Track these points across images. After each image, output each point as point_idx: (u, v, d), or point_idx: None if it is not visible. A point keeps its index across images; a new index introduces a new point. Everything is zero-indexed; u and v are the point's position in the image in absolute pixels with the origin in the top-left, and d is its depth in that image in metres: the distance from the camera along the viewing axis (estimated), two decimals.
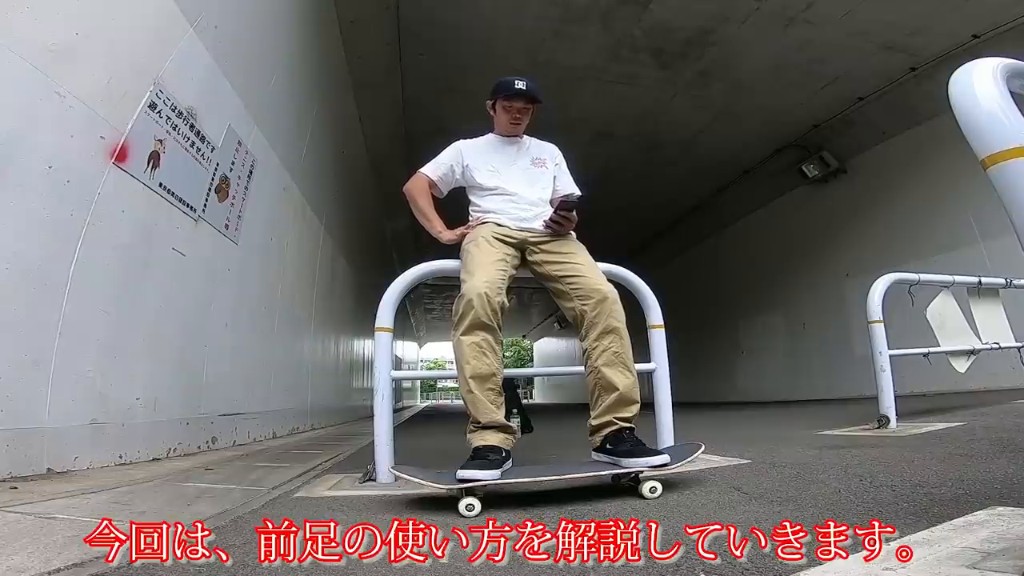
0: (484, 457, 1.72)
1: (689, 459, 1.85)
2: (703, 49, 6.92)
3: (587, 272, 2.01)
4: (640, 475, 1.74)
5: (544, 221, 2.12)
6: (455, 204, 2.39)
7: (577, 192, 2.25)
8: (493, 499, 1.72)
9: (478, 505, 1.57)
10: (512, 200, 2.17)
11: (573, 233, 2.19)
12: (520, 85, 2.17)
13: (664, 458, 1.72)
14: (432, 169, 2.30)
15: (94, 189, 2.43)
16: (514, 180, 2.21)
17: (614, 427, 1.83)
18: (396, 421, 2.44)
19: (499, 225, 2.13)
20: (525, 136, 2.34)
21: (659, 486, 1.68)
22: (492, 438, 1.80)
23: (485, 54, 6.82)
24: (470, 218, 2.26)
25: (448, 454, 2.69)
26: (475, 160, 2.25)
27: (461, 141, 2.33)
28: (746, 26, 6.45)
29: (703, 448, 1.97)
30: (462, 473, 1.62)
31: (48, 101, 2.18)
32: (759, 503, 1.55)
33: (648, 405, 2.43)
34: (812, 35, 6.55)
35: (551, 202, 2.25)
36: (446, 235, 2.23)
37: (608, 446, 1.82)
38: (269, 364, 4.88)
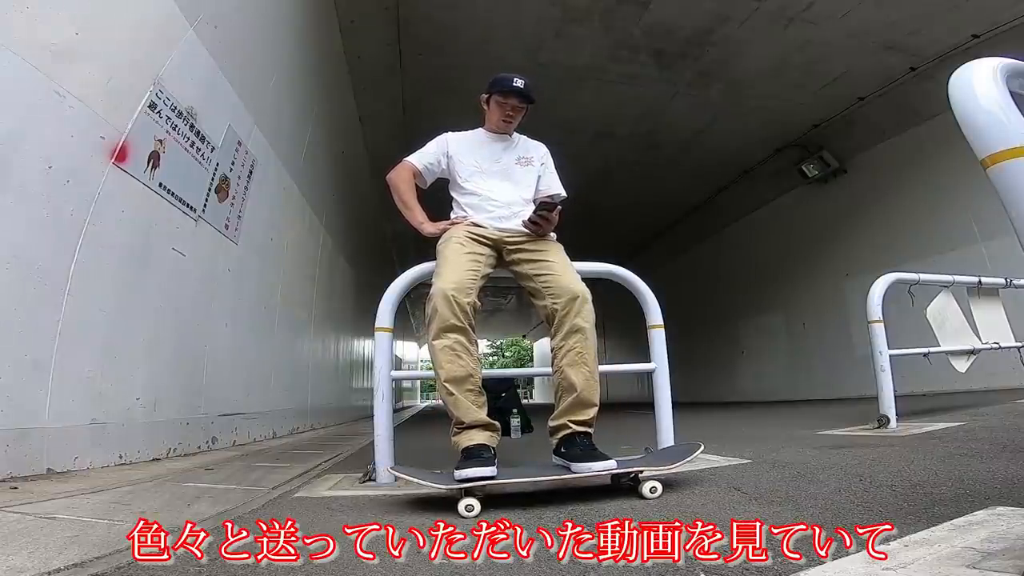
0: (479, 456, 1.71)
1: (682, 462, 1.84)
2: (703, 49, 6.92)
3: (560, 271, 2.00)
4: (640, 475, 1.74)
5: (523, 220, 2.09)
6: (437, 202, 2.36)
7: (563, 193, 2.22)
8: (493, 499, 1.72)
9: (477, 505, 1.56)
10: (492, 199, 2.14)
11: (553, 235, 2.17)
12: (518, 83, 2.15)
13: (610, 464, 1.71)
14: (418, 158, 2.27)
15: (94, 189, 2.43)
16: (496, 179, 2.19)
17: (567, 431, 1.83)
18: (396, 421, 2.44)
19: (476, 225, 2.10)
20: (515, 134, 2.31)
21: (659, 486, 1.69)
22: (479, 436, 1.78)
23: (485, 54, 6.82)
24: (451, 215, 2.23)
25: (449, 454, 2.68)
26: (460, 152, 2.23)
27: (448, 133, 2.30)
28: (746, 26, 6.45)
29: (702, 448, 1.96)
30: (461, 473, 1.60)
31: (48, 101, 2.18)
32: (759, 503, 1.55)
33: (648, 405, 2.43)
34: (812, 35, 6.55)
35: (534, 201, 2.21)
36: (428, 227, 2.18)
37: (562, 449, 1.83)
38: (269, 364, 4.88)
